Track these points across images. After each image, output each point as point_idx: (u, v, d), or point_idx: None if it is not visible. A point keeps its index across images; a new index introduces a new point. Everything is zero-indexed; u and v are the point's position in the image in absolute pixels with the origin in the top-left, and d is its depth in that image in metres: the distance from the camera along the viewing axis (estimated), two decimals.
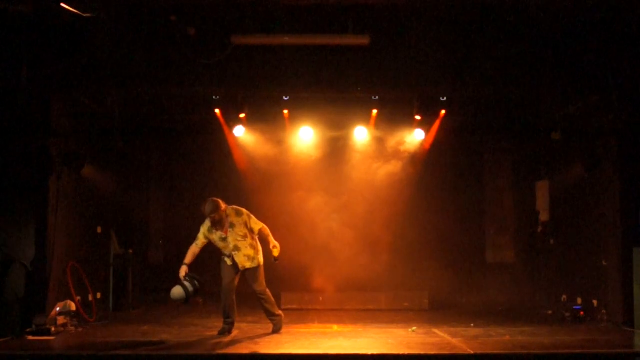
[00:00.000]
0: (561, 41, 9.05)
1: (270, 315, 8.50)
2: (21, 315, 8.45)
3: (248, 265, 8.26)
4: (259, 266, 8.35)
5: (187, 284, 7.97)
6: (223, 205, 8.13)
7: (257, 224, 8.28)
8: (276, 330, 8.44)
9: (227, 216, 8.18)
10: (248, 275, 8.31)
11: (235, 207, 8.28)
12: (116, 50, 8.89)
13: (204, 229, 8.23)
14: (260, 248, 8.40)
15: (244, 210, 8.31)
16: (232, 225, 8.18)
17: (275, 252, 8.29)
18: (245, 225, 8.20)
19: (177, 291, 7.95)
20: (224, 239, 8.20)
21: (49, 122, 8.98)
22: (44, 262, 8.75)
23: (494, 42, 9.12)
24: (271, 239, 8.32)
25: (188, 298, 7.98)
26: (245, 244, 8.21)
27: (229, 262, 8.29)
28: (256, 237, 8.34)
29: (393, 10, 8.91)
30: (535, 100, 10.84)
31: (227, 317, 8.37)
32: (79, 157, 9.49)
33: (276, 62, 9.21)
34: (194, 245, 8.24)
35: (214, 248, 8.32)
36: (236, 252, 8.21)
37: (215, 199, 8.16)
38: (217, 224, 8.14)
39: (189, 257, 8.19)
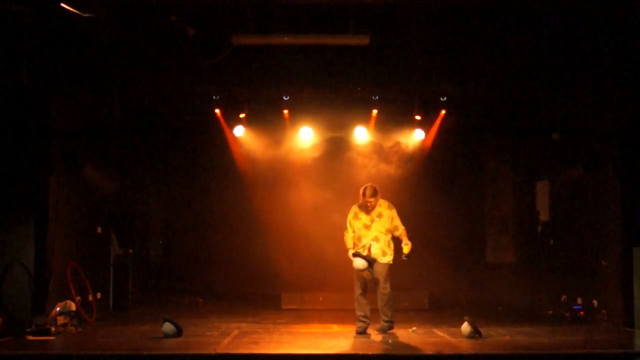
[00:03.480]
0: (561, 41, 9.05)
1: (383, 315, 8.47)
2: (21, 315, 8.45)
3: (380, 259, 8.42)
4: (389, 264, 8.48)
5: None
6: (379, 194, 8.41)
7: (400, 224, 8.51)
8: (381, 330, 8.42)
9: (379, 206, 8.48)
10: (378, 269, 8.41)
11: (387, 201, 8.57)
12: (116, 50, 8.89)
13: (350, 215, 8.58)
14: (393, 248, 8.54)
15: (394, 207, 8.56)
16: (380, 216, 8.44)
17: (406, 249, 8.35)
18: (392, 220, 8.48)
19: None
20: (368, 227, 8.43)
21: (49, 122, 8.98)
22: (44, 262, 8.75)
23: (494, 42, 9.12)
24: (406, 238, 8.43)
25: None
26: (385, 238, 8.45)
27: (359, 258, 8.39)
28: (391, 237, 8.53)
29: (393, 10, 8.91)
30: (535, 100, 10.84)
31: (361, 314, 8.47)
32: (79, 157, 9.49)
33: (276, 62, 9.22)
34: (346, 233, 8.57)
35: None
36: (374, 243, 8.42)
37: (375, 185, 8.48)
38: (367, 210, 8.44)
39: (349, 243, 8.51)
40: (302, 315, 10.42)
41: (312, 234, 12.26)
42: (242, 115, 10.98)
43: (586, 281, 10.03)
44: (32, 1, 8.29)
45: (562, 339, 8.05)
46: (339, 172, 12.45)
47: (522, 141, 12.47)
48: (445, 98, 10.45)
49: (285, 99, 10.32)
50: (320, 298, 11.45)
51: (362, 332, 8.33)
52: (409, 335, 8.34)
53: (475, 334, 7.89)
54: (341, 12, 8.85)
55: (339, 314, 10.49)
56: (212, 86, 9.74)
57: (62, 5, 8.15)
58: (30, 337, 7.93)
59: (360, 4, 8.71)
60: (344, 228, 8.59)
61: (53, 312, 8.34)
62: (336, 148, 12.51)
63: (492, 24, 9.04)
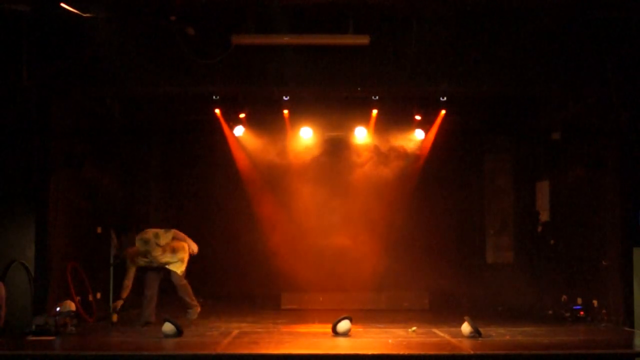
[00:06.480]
0: (561, 41, 9.05)
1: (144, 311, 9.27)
2: (21, 315, 8.44)
3: None
4: None
5: None
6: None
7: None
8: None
9: None
10: None
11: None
12: (116, 50, 8.89)
13: None
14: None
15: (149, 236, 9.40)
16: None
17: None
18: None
19: None
20: None
21: (49, 122, 8.98)
22: (44, 262, 8.75)
23: (494, 41, 9.11)
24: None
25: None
26: None
27: None
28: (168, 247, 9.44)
29: (393, 10, 8.91)
30: (535, 100, 10.83)
31: None
32: (79, 157, 9.49)
33: (276, 62, 9.20)
34: None
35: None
36: None
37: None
38: None
39: None
40: (302, 315, 10.42)
41: (312, 233, 12.27)
42: (242, 115, 10.97)
43: (586, 281, 10.03)
44: (32, 1, 8.29)
45: (562, 339, 8.04)
46: (338, 172, 12.46)
47: (522, 141, 12.47)
48: (445, 98, 10.44)
49: (285, 99, 10.31)
50: (320, 298, 11.45)
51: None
52: (409, 335, 8.34)
53: (475, 334, 7.89)
54: (341, 12, 8.84)
55: (339, 314, 10.46)
56: (212, 86, 9.73)
57: (62, 5, 8.15)
58: (30, 337, 7.93)
59: (360, 4, 8.71)
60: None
61: (53, 312, 8.34)
62: (336, 148, 12.53)
63: (492, 23, 9.04)
